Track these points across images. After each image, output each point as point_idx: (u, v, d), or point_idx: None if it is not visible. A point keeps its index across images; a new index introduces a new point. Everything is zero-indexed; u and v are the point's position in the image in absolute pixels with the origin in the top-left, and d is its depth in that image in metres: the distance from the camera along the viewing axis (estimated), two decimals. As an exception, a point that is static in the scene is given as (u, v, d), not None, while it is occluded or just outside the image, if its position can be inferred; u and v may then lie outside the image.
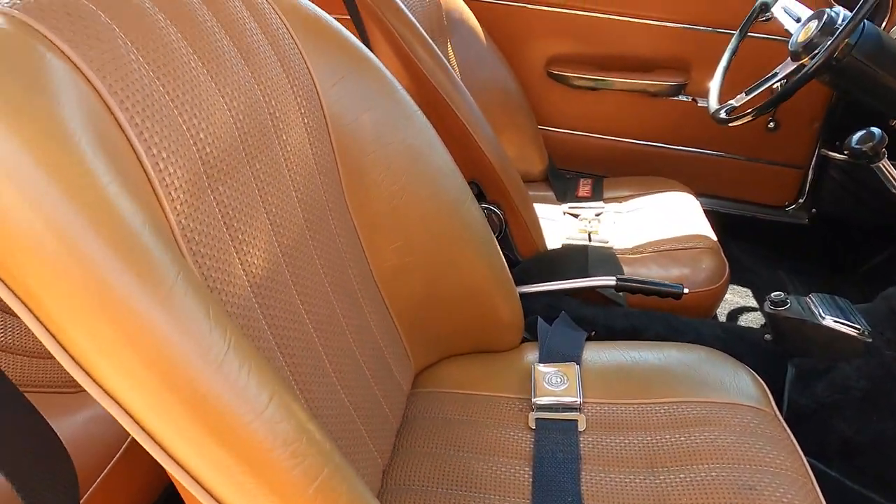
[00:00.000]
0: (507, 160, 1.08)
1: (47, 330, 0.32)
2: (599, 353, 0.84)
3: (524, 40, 1.58)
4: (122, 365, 0.33)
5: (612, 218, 1.32)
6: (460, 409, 0.78)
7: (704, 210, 1.33)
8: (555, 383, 0.78)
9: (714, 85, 1.21)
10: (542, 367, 0.80)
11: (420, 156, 0.76)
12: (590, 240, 1.22)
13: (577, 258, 1.10)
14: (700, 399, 0.74)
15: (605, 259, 1.11)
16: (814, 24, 1.00)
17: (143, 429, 0.34)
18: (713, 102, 1.19)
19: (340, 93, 0.69)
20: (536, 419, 0.74)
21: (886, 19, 1.29)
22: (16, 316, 0.54)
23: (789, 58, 1.05)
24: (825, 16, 0.99)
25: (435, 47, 1.03)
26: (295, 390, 0.54)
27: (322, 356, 0.61)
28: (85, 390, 0.34)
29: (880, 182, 0.98)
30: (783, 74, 1.06)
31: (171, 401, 0.33)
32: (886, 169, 0.96)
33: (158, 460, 0.36)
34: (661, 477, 0.65)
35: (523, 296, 0.90)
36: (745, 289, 1.50)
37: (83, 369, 0.33)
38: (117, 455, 0.77)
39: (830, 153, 1.48)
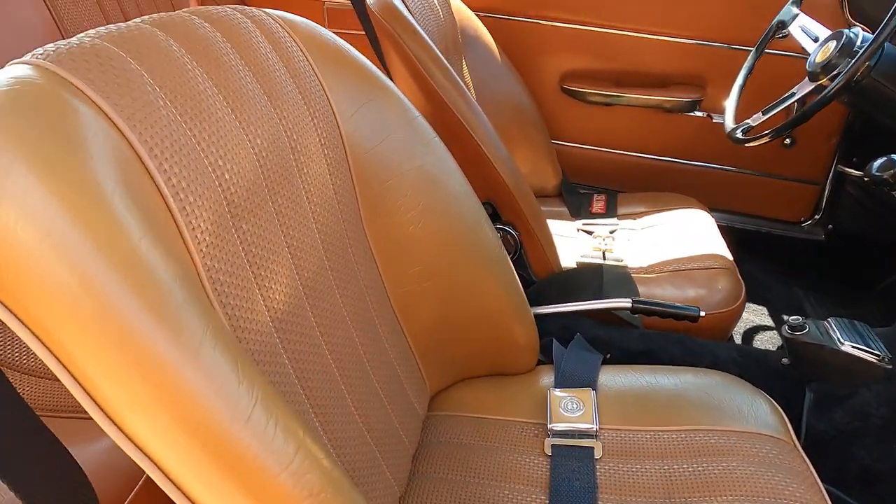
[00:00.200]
0: (522, 180, 1.08)
1: (80, 385, 0.33)
2: (615, 378, 0.83)
3: (538, 56, 1.58)
4: (154, 421, 0.33)
5: (627, 235, 1.31)
6: (476, 433, 0.78)
7: (719, 226, 1.32)
8: (570, 409, 0.78)
9: (730, 104, 1.21)
10: (557, 392, 0.80)
11: (437, 181, 0.76)
12: (604, 258, 1.22)
13: (592, 279, 1.10)
14: (718, 427, 0.73)
15: (620, 279, 1.10)
16: (832, 45, 1.00)
17: (172, 482, 0.35)
18: (729, 121, 1.18)
19: (359, 121, 0.70)
20: (552, 445, 0.74)
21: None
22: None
23: (807, 77, 1.05)
24: (844, 37, 0.98)
25: (450, 68, 1.03)
26: (317, 427, 0.54)
27: (340, 384, 0.62)
28: None
29: None
30: (801, 95, 1.05)
31: (200, 456, 0.34)
32: None
33: None
34: (679, 508, 0.65)
35: (538, 317, 0.90)
36: (760, 307, 1.49)
37: (115, 424, 0.33)
38: (139, 483, 0.77)
39: (847, 169, 1.46)
